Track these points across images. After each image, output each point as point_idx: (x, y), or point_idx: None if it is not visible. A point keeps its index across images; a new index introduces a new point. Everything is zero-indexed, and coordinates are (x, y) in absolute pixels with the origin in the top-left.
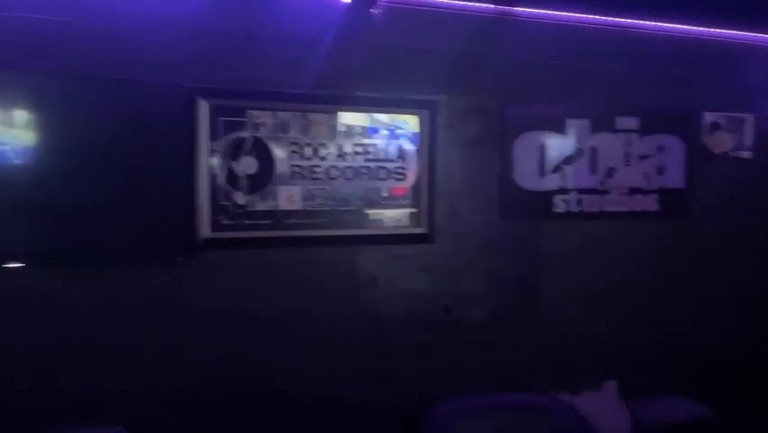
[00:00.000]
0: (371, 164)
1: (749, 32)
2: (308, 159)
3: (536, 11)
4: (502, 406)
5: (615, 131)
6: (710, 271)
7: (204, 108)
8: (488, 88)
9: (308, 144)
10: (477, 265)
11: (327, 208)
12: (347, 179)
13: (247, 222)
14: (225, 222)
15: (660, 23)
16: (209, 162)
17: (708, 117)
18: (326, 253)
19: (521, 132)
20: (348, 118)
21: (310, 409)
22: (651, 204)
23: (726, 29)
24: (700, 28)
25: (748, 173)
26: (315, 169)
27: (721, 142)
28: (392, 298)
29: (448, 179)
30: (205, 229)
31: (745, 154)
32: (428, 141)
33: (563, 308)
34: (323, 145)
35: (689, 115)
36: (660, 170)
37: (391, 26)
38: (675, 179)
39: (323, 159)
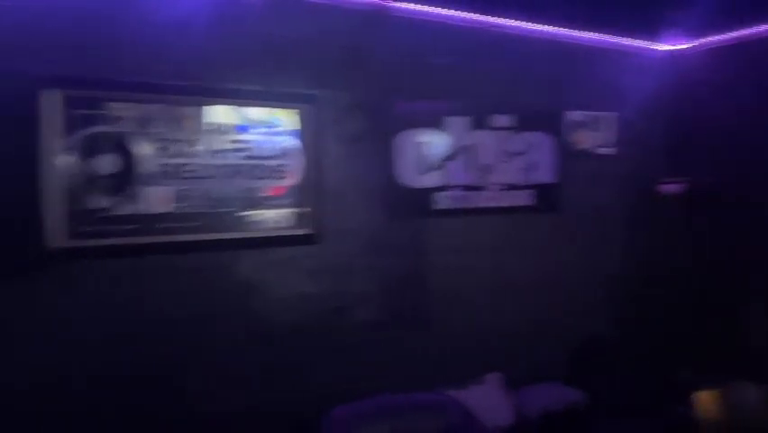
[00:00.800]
0: (250, 162)
1: (612, 35)
2: (178, 156)
3: (417, 8)
4: (396, 407)
5: (492, 128)
6: (581, 260)
7: (53, 99)
8: (371, 84)
9: (178, 140)
10: (365, 265)
11: (203, 210)
12: (223, 178)
13: (111, 228)
14: (85, 229)
15: (531, 26)
16: (61, 162)
17: (573, 116)
18: (204, 259)
19: (403, 129)
20: (221, 112)
21: (201, 424)
22: (526, 199)
23: (592, 32)
24: (568, 31)
25: (610, 168)
26: (187, 167)
27: (584, 140)
28: (279, 303)
29: (333, 177)
30: (58, 238)
31: (607, 151)
32: (311, 137)
33: (449, 304)
34: (194, 141)
35: (557, 113)
36: (533, 166)
37: (270, 15)
38: (546, 174)
39: (194, 156)
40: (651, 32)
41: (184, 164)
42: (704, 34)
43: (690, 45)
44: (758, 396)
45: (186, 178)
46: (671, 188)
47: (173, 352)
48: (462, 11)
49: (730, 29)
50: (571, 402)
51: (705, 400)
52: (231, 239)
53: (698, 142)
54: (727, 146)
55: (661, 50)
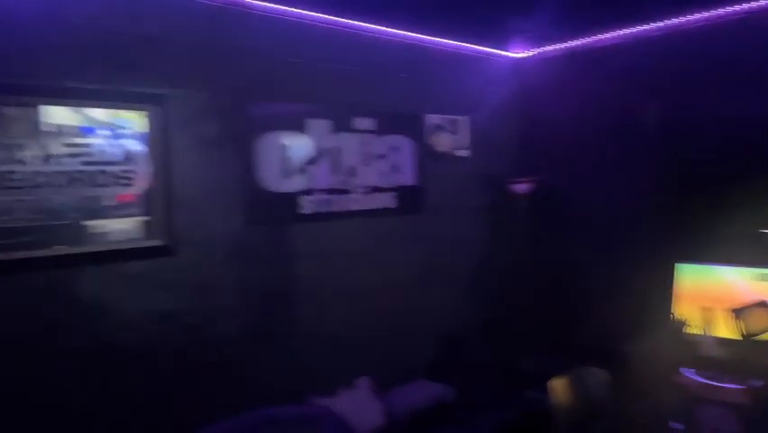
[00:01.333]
0: (90, 168)
1: (467, 42)
2: (1, 163)
3: (276, 6)
4: (266, 422)
5: (354, 131)
6: (443, 260)
7: None
8: (227, 85)
9: (2, 145)
10: (225, 276)
11: (34, 224)
12: (58, 186)
13: None
14: None
15: (389, 30)
16: None
17: (432, 119)
18: (38, 280)
19: (263, 132)
20: (59, 113)
21: None
22: (390, 201)
23: (449, 39)
24: (424, 36)
25: (466, 169)
26: (12, 175)
27: (443, 142)
28: (129, 323)
29: (187, 183)
30: None
31: (463, 153)
32: (162, 140)
33: (317, 311)
34: (22, 146)
35: (417, 116)
36: (395, 169)
37: (114, 8)
38: (408, 176)
39: (22, 163)
40: (498, 40)
41: (8, 172)
42: (542, 43)
43: (532, 53)
44: (602, 380)
45: (11, 187)
46: (520, 187)
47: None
48: (322, 12)
49: (564, 39)
50: (439, 398)
51: (557, 387)
52: (69, 254)
53: (542, 143)
54: (564, 147)
55: (507, 57)
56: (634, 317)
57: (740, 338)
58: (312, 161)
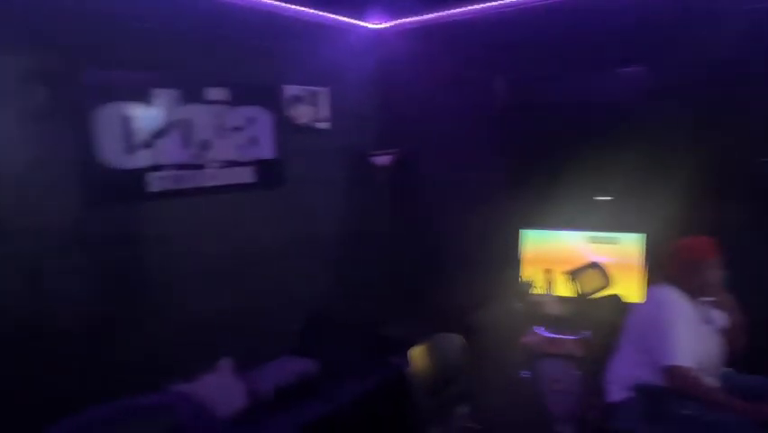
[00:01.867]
0: None
1: (325, 12)
2: None
3: None
4: (117, 415)
5: (206, 102)
6: (305, 233)
7: None
8: (56, 48)
9: None
10: (62, 265)
11: None
12: None
13: None
14: None
15: None
16: None
17: (290, 90)
18: None
19: (103, 102)
20: None
21: None
22: (248, 175)
23: (307, 7)
24: (284, 4)
25: (327, 142)
26: None
27: (302, 114)
28: None
29: (10, 160)
30: None
31: (323, 125)
32: None
33: (174, 294)
34: None
35: (274, 87)
36: (253, 142)
37: None
38: (267, 150)
39: None
40: (356, 10)
41: None
42: (399, 16)
43: (390, 24)
44: (458, 345)
45: None
46: (381, 159)
47: None
48: None
49: (419, 12)
50: (304, 373)
51: (415, 354)
52: None
53: (402, 116)
54: (421, 120)
55: (366, 28)
56: (486, 282)
57: (576, 296)
58: (160, 135)
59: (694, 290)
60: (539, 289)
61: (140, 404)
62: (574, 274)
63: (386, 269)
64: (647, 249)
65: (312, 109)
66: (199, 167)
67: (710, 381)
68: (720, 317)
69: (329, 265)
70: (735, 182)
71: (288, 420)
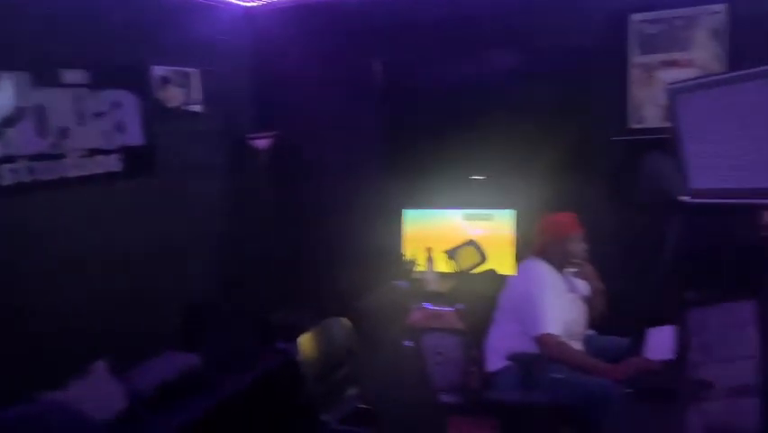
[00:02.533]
0: None
1: None
2: None
3: None
4: None
5: (62, 86)
6: (182, 222)
7: None
8: None
9: None
10: None
11: None
12: None
13: None
14: None
15: None
16: None
17: (158, 71)
18: None
19: None
20: None
21: None
22: (114, 164)
23: None
24: None
25: (202, 126)
26: None
27: (173, 97)
28: None
29: None
30: None
31: (196, 108)
32: None
33: (39, 297)
34: None
35: (140, 68)
36: (119, 128)
37: None
38: (135, 136)
39: None
40: None
41: None
42: None
43: (263, 2)
44: (346, 328)
45: None
46: (260, 142)
47: None
48: None
49: None
50: (188, 367)
51: (305, 340)
52: None
53: (281, 97)
54: (301, 101)
55: (238, 6)
56: (371, 263)
57: (456, 272)
58: (9, 123)
59: (560, 262)
60: (421, 266)
61: (7, 417)
62: (452, 253)
63: (270, 256)
64: (518, 224)
65: (183, 91)
66: (58, 157)
67: (576, 345)
68: (583, 286)
69: (210, 255)
70: (591, 160)
71: (172, 418)
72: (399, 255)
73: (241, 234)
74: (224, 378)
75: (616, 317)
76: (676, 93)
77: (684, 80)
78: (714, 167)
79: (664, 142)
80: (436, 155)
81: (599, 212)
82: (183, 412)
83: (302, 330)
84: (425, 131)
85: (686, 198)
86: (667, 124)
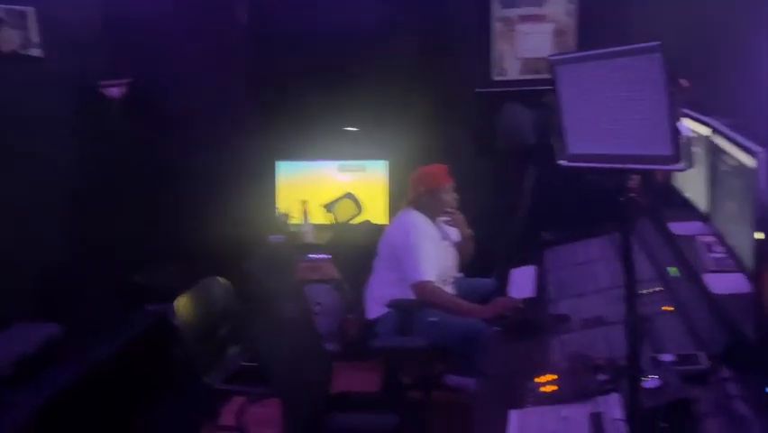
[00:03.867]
0: None
1: None
2: None
3: None
4: None
5: None
6: (24, 182)
7: None
8: None
9: None
10: None
11: None
12: None
13: None
14: None
15: None
16: None
17: None
18: None
19: None
20: None
21: None
22: None
23: None
24: None
25: (43, 73)
26: None
27: (7, 40)
28: None
29: None
30: None
31: (36, 52)
32: None
33: None
34: None
35: None
36: None
37: None
38: None
39: None
40: None
41: None
42: None
43: None
44: (224, 287)
45: None
46: (113, 90)
47: None
48: None
49: None
50: (48, 337)
51: (182, 303)
52: None
53: (136, 41)
54: (160, 46)
55: None
56: (245, 217)
57: (333, 224)
58: None
59: (433, 212)
60: (296, 219)
61: None
62: (330, 206)
63: (132, 214)
64: (390, 175)
65: (19, 33)
66: None
67: (449, 289)
68: (454, 233)
69: (62, 214)
70: (458, 111)
71: (35, 394)
72: (273, 208)
73: (96, 191)
74: (90, 346)
75: (481, 260)
76: (557, 64)
77: (564, 53)
78: (589, 134)
79: (524, 95)
80: (309, 106)
81: (467, 162)
82: (47, 387)
83: (171, 290)
84: (295, 81)
85: (563, 162)
86: (527, 77)
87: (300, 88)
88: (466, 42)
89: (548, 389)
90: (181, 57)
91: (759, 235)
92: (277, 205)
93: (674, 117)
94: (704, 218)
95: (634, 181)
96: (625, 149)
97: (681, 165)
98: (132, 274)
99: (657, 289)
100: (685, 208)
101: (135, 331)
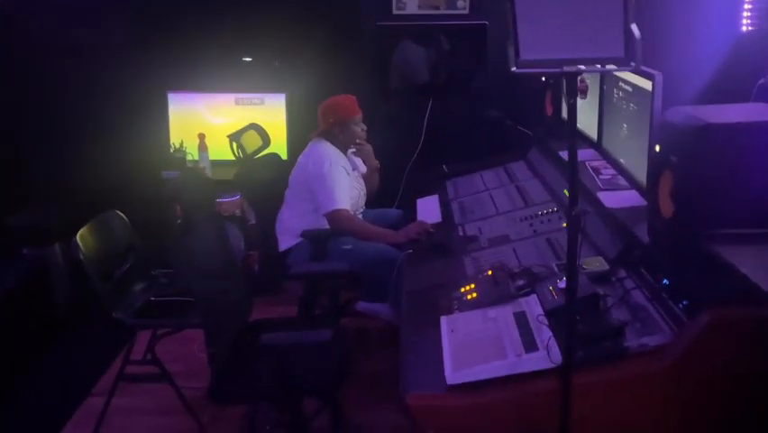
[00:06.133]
0: None
1: None
2: None
3: None
4: None
5: None
6: None
7: None
8: None
9: None
10: None
11: None
12: None
13: None
14: None
15: None
16: None
17: None
18: None
19: None
20: None
21: None
22: None
23: None
24: None
25: None
26: None
27: None
28: None
29: None
30: None
31: None
32: None
33: None
34: None
35: None
36: None
37: None
38: None
39: None
40: None
41: None
42: None
43: None
44: (124, 220)
45: None
46: None
47: None
48: None
49: None
50: None
51: (83, 237)
52: None
53: None
54: None
55: None
56: (136, 152)
57: (238, 158)
58: None
59: (344, 143)
60: (192, 155)
61: None
62: (236, 136)
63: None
64: (288, 108)
65: None
66: None
67: (359, 217)
68: (361, 165)
69: None
70: (359, 45)
71: None
72: (167, 143)
73: None
74: None
75: (385, 192)
76: None
77: None
78: (542, 39)
79: (422, 30)
80: (202, 37)
81: (367, 96)
82: None
83: (50, 232)
84: (185, 10)
85: (514, 69)
86: (425, 12)
87: (193, 19)
88: None
89: (471, 297)
90: None
91: (657, 148)
92: (171, 140)
93: (629, 20)
94: (594, 146)
95: None
96: (577, 52)
97: (631, 66)
98: (5, 216)
99: (554, 209)
100: (581, 137)
101: (10, 280)
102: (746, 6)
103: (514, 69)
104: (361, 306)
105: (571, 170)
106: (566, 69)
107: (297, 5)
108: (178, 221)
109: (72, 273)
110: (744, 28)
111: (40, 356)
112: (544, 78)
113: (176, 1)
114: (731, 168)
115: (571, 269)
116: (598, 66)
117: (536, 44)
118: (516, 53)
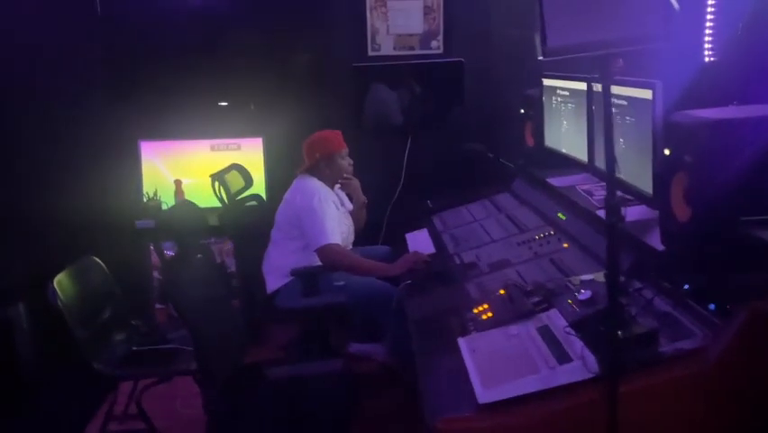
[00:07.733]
0: None
1: None
2: None
3: None
4: None
5: None
6: None
7: None
8: None
9: None
10: None
11: None
12: None
13: None
14: None
15: None
16: None
17: None
18: None
19: None
20: None
21: None
22: None
23: None
24: None
25: None
26: None
27: None
28: None
29: None
30: None
31: None
32: None
33: None
34: None
35: None
36: None
37: None
38: None
39: None
40: None
41: None
42: None
43: None
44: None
45: None
46: None
47: None
48: None
49: None
50: None
51: (61, 282)
52: None
53: None
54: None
55: None
56: (108, 201)
57: (221, 199)
58: None
59: (331, 178)
60: (168, 203)
61: None
62: (218, 176)
63: None
64: (266, 152)
65: None
66: None
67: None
68: (348, 201)
69: None
70: (335, 86)
71: None
72: (140, 192)
73: None
74: None
75: (372, 228)
76: None
77: None
78: (569, 23)
79: (398, 70)
80: (176, 84)
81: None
82: None
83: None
84: (157, 59)
85: (542, 59)
86: (400, 53)
87: (166, 65)
88: (342, 19)
89: (486, 316)
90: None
91: (667, 151)
92: (144, 189)
93: None
94: (586, 168)
95: None
96: (607, 33)
97: (671, 40)
98: None
99: (550, 232)
100: (566, 164)
101: None
102: (707, 39)
103: (542, 58)
104: (354, 348)
105: (608, 155)
106: (594, 53)
107: (271, 49)
108: (169, 255)
109: (38, 333)
110: (706, 59)
111: (5, 424)
112: (522, 111)
113: (150, 48)
114: (750, 159)
115: (611, 271)
116: (631, 45)
117: (563, 29)
118: (543, 41)
